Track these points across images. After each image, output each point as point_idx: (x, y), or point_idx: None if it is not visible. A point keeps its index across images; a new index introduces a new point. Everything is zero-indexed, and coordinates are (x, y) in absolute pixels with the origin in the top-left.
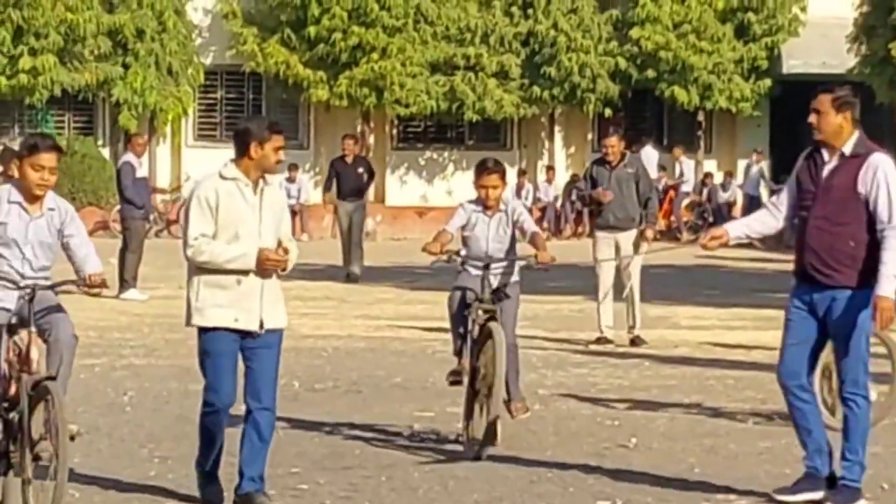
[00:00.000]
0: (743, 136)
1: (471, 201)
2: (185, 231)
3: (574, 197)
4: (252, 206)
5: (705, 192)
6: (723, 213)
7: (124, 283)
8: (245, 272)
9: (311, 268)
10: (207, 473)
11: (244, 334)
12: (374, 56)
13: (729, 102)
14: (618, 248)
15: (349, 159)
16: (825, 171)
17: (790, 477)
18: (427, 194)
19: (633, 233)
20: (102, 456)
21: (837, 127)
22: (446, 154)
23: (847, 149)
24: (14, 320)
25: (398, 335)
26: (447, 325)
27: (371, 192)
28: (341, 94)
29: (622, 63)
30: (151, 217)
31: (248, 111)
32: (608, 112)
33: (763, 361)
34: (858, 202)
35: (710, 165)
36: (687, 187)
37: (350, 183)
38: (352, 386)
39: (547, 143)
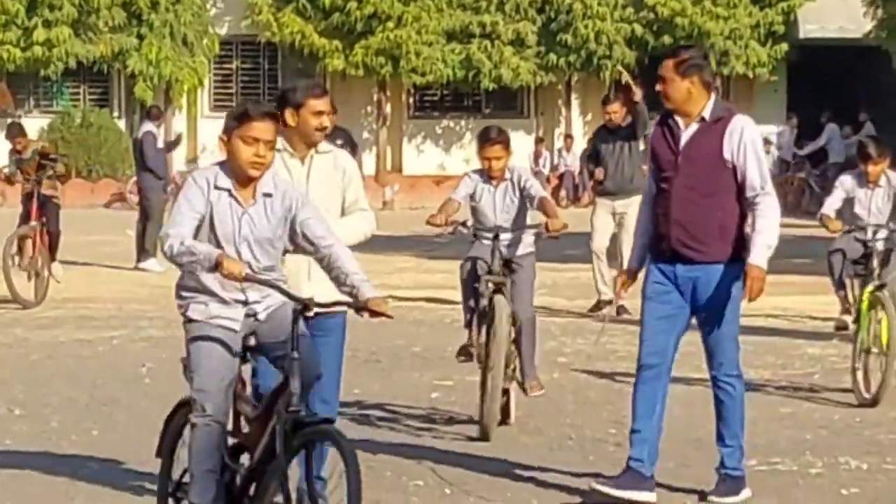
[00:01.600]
0: (760, 102)
1: (476, 171)
2: None
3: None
4: (297, 179)
5: None
6: None
7: (144, 252)
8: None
9: None
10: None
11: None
12: (390, 25)
13: (746, 68)
14: (615, 215)
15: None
16: (684, 139)
17: (810, 443)
18: (444, 163)
19: (633, 199)
20: (122, 428)
21: (685, 93)
22: (463, 122)
23: (707, 113)
24: (252, 342)
25: (417, 304)
26: None
27: (388, 162)
28: (357, 64)
29: (638, 30)
30: (169, 188)
31: (263, 82)
32: (625, 77)
33: (782, 327)
34: (726, 169)
35: None
36: None
37: None
38: (371, 355)
39: (564, 111)
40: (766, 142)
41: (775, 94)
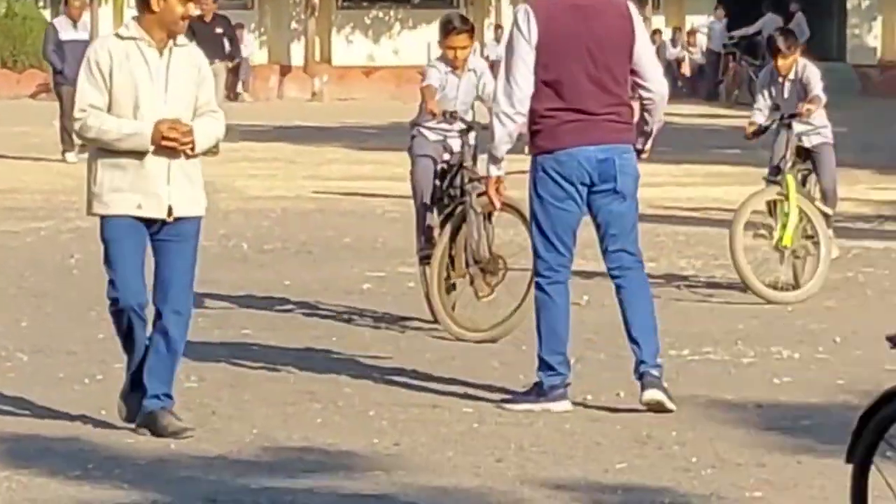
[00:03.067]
0: None
1: (439, 59)
2: (75, 102)
3: None
4: (156, 72)
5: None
6: (672, 70)
7: (67, 146)
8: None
9: (258, 129)
10: (131, 380)
11: (151, 223)
12: None
13: None
14: None
15: (207, 18)
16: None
17: (742, 333)
18: (373, 54)
19: None
20: (51, 319)
21: None
22: (392, 13)
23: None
24: None
25: (347, 196)
26: (396, 184)
27: (316, 52)
28: None
29: None
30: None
31: None
32: None
33: (714, 217)
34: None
35: (658, 22)
36: None
37: (208, 43)
38: (301, 247)
39: (494, 0)
40: (691, 32)
41: None
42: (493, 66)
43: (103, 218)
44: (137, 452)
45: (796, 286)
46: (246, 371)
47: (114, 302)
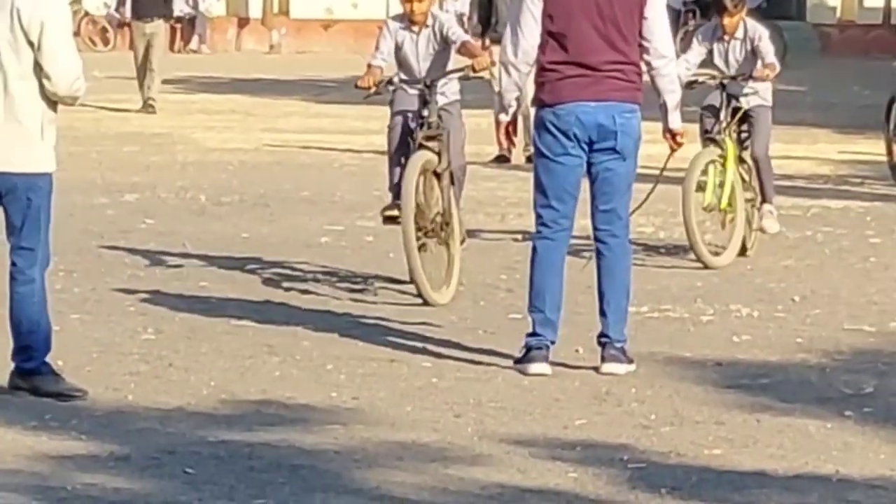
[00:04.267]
0: None
1: (395, 17)
2: None
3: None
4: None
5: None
6: None
7: None
8: None
9: (216, 81)
10: None
11: None
12: None
13: None
14: None
15: None
16: None
17: (701, 290)
18: (332, 6)
19: None
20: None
21: None
22: None
23: None
24: None
25: (305, 149)
26: (354, 138)
27: (275, 5)
28: None
29: None
30: None
31: None
32: None
33: (673, 175)
34: None
35: None
36: None
37: (147, 1)
38: (259, 199)
39: None
40: None
41: None
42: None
43: None
44: (94, 403)
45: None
46: (203, 323)
47: None
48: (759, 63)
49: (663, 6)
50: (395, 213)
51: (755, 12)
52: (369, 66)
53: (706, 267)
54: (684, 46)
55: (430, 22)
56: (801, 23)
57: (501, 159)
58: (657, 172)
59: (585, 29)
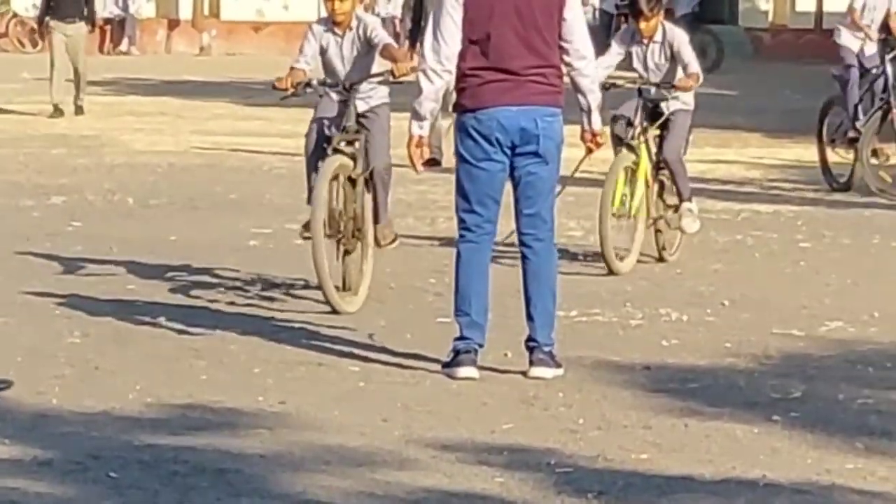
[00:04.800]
0: None
1: (320, 21)
2: None
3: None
4: None
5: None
6: None
7: None
8: None
9: (145, 83)
10: None
11: None
12: None
13: None
14: None
15: None
16: None
17: (631, 294)
18: (262, 9)
19: None
20: None
21: None
22: None
23: None
24: None
25: (234, 152)
26: (283, 141)
27: (205, 7)
28: None
29: None
30: None
31: None
32: None
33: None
34: None
35: None
36: None
37: (67, 2)
38: (188, 202)
39: None
40: None
41: None
42: (384, 23)
43: None
44: (19, 407)
45: (660, 258)
46: (130, 327)
47: None
48: (680, 69)
49: (580, 7)
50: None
51: (687, 17)
52: (292, 68)
53: (611, 273)
54: None
55: (354, 24)
56: (733, 27)
57: (432, 162)
58: (575, 172)
59: (506, 34)
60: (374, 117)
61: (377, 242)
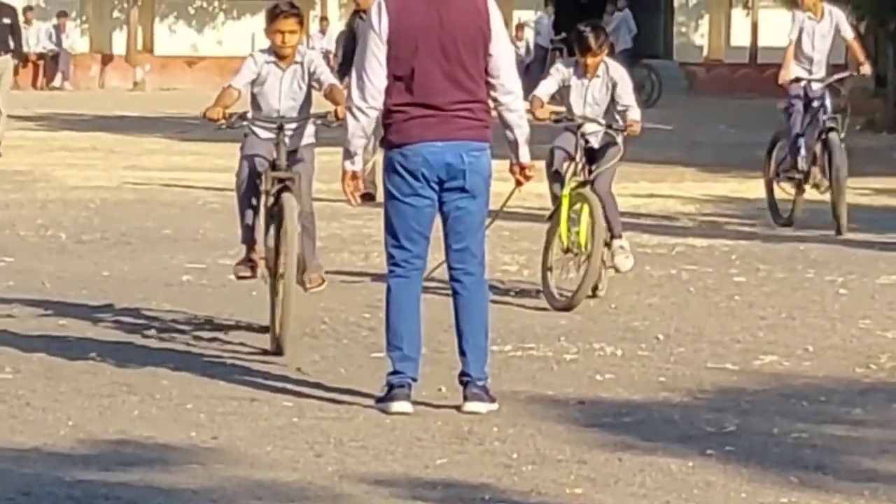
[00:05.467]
0: None
1: (263, 51)
2: None
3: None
4: None
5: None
6: None
7: None
8: None
9: (78, 118)
10: None
11: None
12: None
13: None
14: None
15: None
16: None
17: (565, 328)
18: (197, 44)
19: None
20: None
21: None
22: (216, 3)
23: None
24: None
25: (168, 187)
26: (217, 175)
27: (139, 42)
28: None
29: None
30: None
31: None
32: None
33: (538, 213)
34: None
35: None
36: None
37: None
38: (121, 237)
39: None
40: (519, 27)
41: None
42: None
43: None
44: None
45: (593, 294)
46: (62, 362)
47: None
48: (621, 110)
49: (508, 42)
50: (247, 273)
51: (626, 52)
52: (228, 86)
53: (554, 309)
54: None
55: (298, 58)
56: (668, 62)
57: (367, 197)
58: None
59: (431, 70)
60: (301, 161)
61: (303, 286)
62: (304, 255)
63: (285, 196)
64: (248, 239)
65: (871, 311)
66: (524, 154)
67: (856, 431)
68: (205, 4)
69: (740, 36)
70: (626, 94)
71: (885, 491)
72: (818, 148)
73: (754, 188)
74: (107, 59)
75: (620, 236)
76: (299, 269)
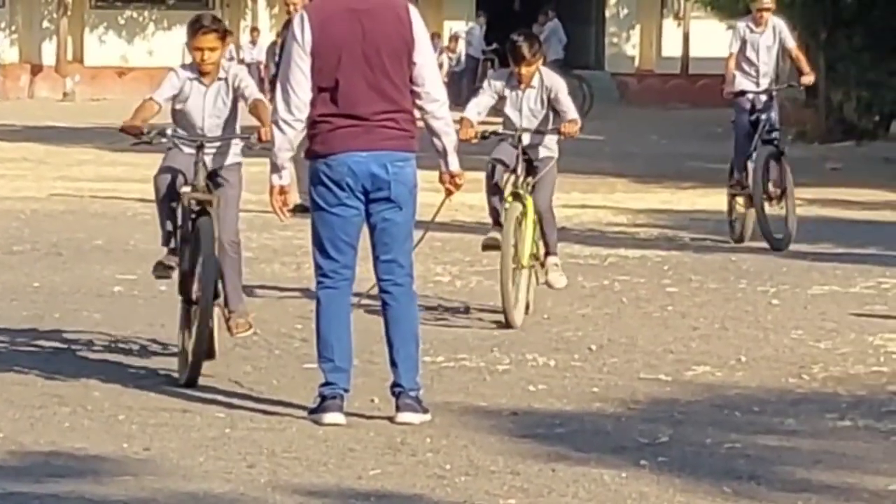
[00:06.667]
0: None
1: (185, 66)
2: None
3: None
4: None
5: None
6: None
7: None
8: None
9: (8, 128)
10: None
11: None
12: None
13: None
14: None
15: None
16: None
17: (497, 339)
18: (127, 54)
19: None
20: None
21: None
22: (146, 13)
23: None
24: None
25: (98, 198)
26: (148, 186)
27: (69, 52)
28: None
29: None
30: None
31: None
32: None
33: (469, 224)
34: None
35: None
36: None
37: None
38: (51, 248)
39: (250, 3)
40: (453, 38)
41: None
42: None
43: None
44: None
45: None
46: None
47: None
48: (561, 116)
49: (431, 50)
50: (165, 274)
51: (558, 62)
52: (149, 99)
53: (508, 326)
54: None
55: (222, 74)
56: (599, 72)
57: (300, 209)
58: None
59: (354, 80)
60: (225, 183)
61: (229, 330)
62: (227, 290)
63: (202, 221)
64: (168, 242)
65: (803, 321)
66: (453, 162)
67: (788, 441)
68: (135, 15)
69: (672, 46)
70: (564, 101)
71: (817, 501)
72: (769, 161)
73: (686, 199)
74: (36, 69)
75: (556, 253)
76: (223, 303)
